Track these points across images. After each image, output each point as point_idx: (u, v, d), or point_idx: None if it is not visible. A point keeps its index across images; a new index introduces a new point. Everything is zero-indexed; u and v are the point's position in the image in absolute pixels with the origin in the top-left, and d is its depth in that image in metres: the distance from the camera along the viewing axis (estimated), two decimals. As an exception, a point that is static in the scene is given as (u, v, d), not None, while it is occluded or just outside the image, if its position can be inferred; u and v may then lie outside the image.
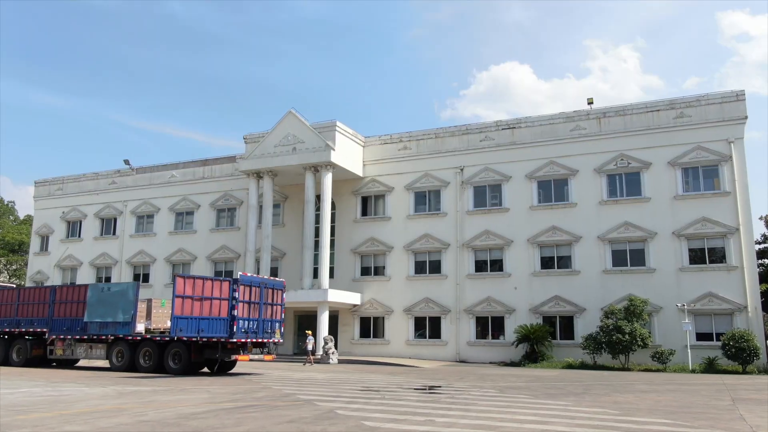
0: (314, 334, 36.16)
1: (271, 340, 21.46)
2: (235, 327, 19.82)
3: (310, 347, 30.40)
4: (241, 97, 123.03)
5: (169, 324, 22.41)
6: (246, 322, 20.32)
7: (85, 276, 46.26)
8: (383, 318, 36.50)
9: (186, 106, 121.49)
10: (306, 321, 38.30)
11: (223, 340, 19.89)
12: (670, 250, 31.00)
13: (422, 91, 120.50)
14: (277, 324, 21.69)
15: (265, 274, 35.95)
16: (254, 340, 20.69)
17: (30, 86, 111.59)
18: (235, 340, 19.83)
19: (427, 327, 35.45)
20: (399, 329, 35.91)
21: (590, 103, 34.27)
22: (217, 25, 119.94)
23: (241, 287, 20.18)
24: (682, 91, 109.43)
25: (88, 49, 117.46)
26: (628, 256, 31.93)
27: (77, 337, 22.88)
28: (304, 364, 29.60)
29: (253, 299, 20.66)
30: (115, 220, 46.49)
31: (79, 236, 47.53)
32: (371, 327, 36.81)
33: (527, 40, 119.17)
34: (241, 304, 20.13)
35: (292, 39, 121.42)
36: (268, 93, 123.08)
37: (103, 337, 22.23)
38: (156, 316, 22.24)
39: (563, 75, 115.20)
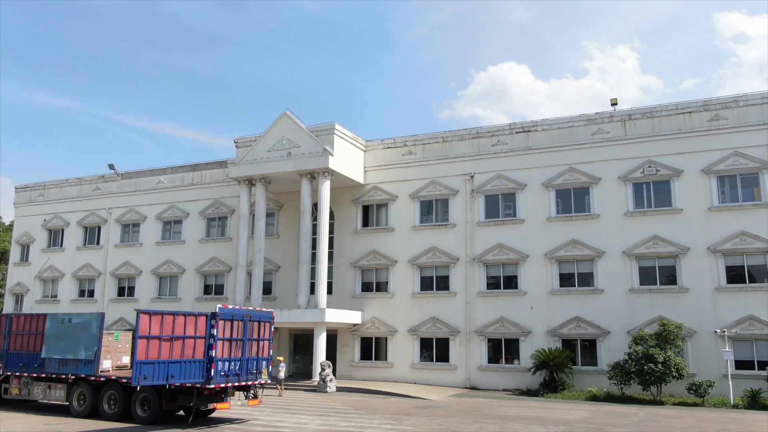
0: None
1: (256, 383, 18.41)
2: (213, 370, 16.77)
3: (282, 375, 27.31)
4: (241, 97, 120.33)
5: (125, 361, 19.39)
6: (226, 364, 17.27)
7: (67, 289, 43.28)
8: (386, 339, 33.43)
9: (186, 106, 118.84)
10: (302, 341, 35.33)
11: (198, 385, 16.84)
12: (705, 267, 27.91)
13: (421, 92, 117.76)
14: (264, 363, 18.63)
15: (257, 289, 33.01)
16: (236, 383, 17.64)
17: (30, 86, 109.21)
18: (212, 386, 16.78)
19: (434, 349, 32.38)
20: (403, 351, 32.84)
21: (614, 104, 31.15)
22: (218, 25, 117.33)
23: (221, 322, 17.13)
24: (680, 92, 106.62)
25: (88, 49, 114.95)
26: (658, 273, 28.85)
27: (34, 374, 19.86)
28: (279, 395, 26.45)
29: (235, 335, 17.61)
30: (99, 228, 43.45)
31: (61, 246, 44.50)
32: (373, 348, 33.74)
33: (526, 40, 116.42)
34: (220, 343, 17.08)
35: (292, 39, 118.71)
36: (269, 93, 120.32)
37: (63, 377, 19.19)
38: (108, 351, 19.25)
39: (561, 75, 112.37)
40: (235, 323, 17.65)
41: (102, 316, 18.91)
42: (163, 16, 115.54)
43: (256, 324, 18.43)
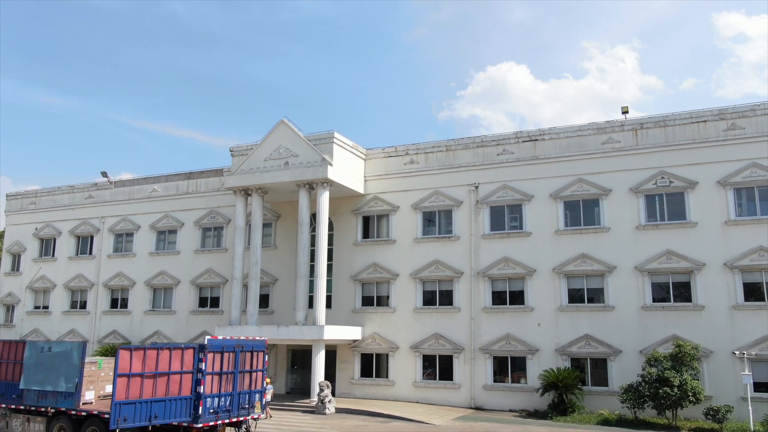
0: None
1: (248, 418, 17.17)
2: (201, 408, 15.54)
3: (269, 398, 25.66)
4: (241, 97, 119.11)
5: (108, 390, 18.15)
6: (216, 399, 16.05)
7: (59, 300, 42.05)
8: (387, 355, 32.16)
9: (186, 106, 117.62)
10: (301, 356, 34.12)
11: (185, 424, 15.60)
12: (722, 284, 26.63)
13: (420, 92, 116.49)
14: (257, 395, 17.41)
15: (253, 303, 31.76)
16: (227, 420, 16.40)
17: (30, 86, 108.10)
18: (200, 425, 15.55)
19: (437, 367, 31.11)
20: (405, 368, 31.56)
21: (625, 112, 29.87)
22: (218, 25, 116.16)
23: (210, 355, 15.91)
24: (680, 92, 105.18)
25: (88, 49, 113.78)
26: (671, 290, 27.57)
27: (13, 406, 18.63)
28: (266, 417, 24.22)
29: (225, 368, 16.39)
30: (92, 238, 42.20)
31: (53, 255, 43.26)
32: (374, 365, 32.47)
33: (526, 40, 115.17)
34: (209, 377, 15.86)
35: (292, 39, 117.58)
36: (269, 93, 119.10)
37: (42, 410, 17.96)
38: (92, 381, 18.03)
39: (561, 75, 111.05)
40: (226, 355, 16.43)
41: (84, 345, 17.65)
42: (163, 16, 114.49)
43: (248, 354, 17.21)
